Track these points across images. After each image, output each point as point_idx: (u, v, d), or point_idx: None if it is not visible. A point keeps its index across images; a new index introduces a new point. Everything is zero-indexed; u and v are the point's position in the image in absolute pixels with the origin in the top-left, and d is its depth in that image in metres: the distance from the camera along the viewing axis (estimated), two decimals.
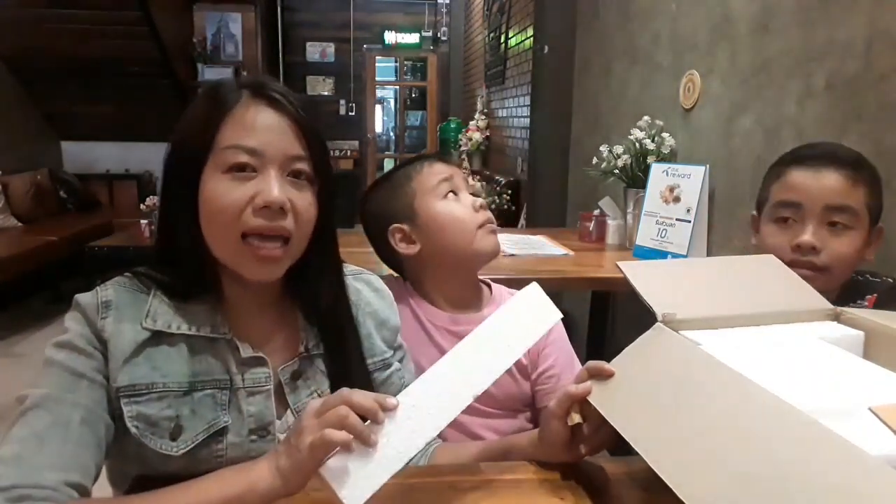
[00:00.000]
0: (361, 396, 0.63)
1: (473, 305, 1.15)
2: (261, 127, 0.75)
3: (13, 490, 0.62)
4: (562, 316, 0.77)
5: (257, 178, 0.74)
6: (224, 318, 0.80)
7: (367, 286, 0.94)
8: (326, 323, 0.85)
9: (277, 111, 0.76)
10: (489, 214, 1.12)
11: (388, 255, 1.15)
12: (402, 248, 1.10)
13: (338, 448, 0.60)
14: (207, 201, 0.75)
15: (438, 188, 1.10)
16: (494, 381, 0.71)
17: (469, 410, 1.06)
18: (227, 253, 0.76)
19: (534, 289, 0.81)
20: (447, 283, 1.12)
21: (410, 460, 0.64)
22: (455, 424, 1.04)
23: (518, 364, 1.11)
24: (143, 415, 0.73)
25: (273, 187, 0.73)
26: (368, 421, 0.62)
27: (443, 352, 0.74)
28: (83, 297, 0.76)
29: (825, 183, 1.03)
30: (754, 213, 1.18)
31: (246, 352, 0.79)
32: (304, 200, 0.77)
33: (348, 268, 0.94)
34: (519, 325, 0.76)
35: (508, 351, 0.74)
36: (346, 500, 0.59)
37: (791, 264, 0.99)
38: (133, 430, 0.73)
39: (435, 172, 1.11)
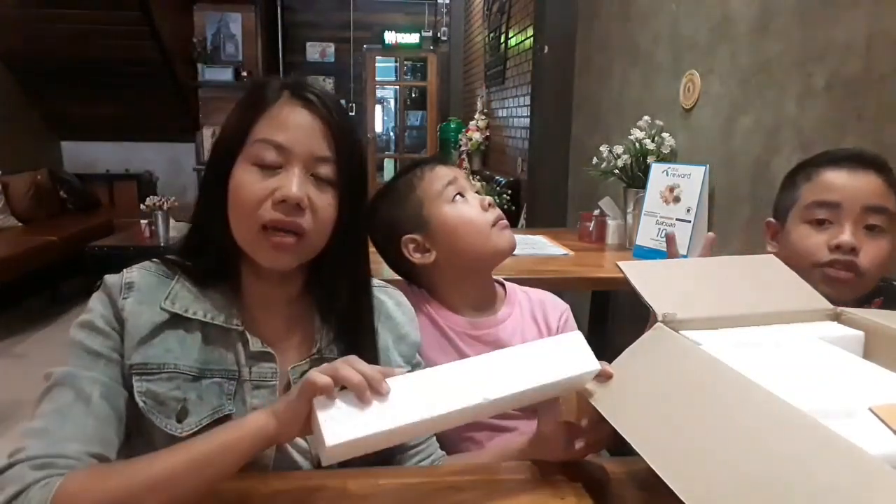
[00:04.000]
0: (362, 364, 0.66)
1: (490, 307, 1.14)
2: (292, 125, 0.78)
3: (38, 459, 0.66)
4: (599, 368, 0.75)
5: (281, 173, 0.77)
6: (239, 310, 0.82)
7: (391, 299, 0.94)
8: (342, 326, 0.86)
9: (310, 111, 0.78)
10: (499, 211, 1.11)
11: (401, 265, 1.13)
12: (418, 257, 1.08)
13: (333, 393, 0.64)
14: (233, 190, 0.78)
15: (445, 192, 1.07)
16: (509, 395, 0.69)
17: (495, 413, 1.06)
18: (246, 239, 0.79)
19: (578, 337, 0.78)
20: (465, 287, 1.10)
21: (398, 428, 0.65)
22: (481, 425, 1.06)
23: None
24: (151, 391, 0.76)
25: (293, 184, 0.76)
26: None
27: (464, 357, 0.75)
28: (110, 278, 0.80)
29: (863, 183, 1.00)
30: (770, 219, 1.14)
31: (255, 345, 0.81)
32: (324, 201, 0.79)
33: (373, 280, 0.93)
34: (556, 359, 0.74)
35: (535, 375, 0.72)
36: (325, 434, 0.62)
37: (829, 265, 0.99)
38: (141, 404, 0.76)
39: (438, 177, 1.09)
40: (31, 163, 5.08)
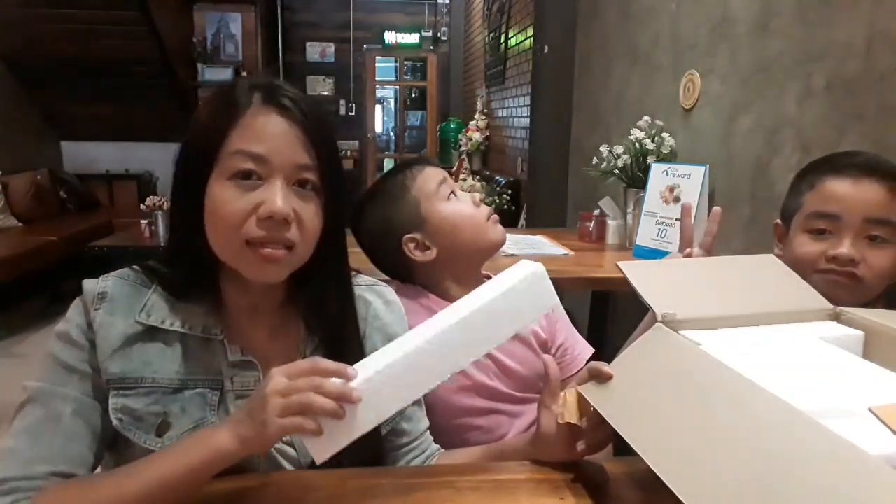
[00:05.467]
0: (330, 386, 0.63)
1: None
2: (269, 134, 0.73)
3: (5, 483, 0.68)
4: (558, 301, 0.76)
5: (263, 186, 0.73)
6: (218, 319, 0.79)
7: (379, 298, 0.92)
8: (328, 335, 0.84)
9: (287, 118, 0.74)
10: (489, 207, 1.16)
11: (398, 266, 1.14)
12: (419, 255, 1.09)
13: None
14: (211, 207, 0.74)
15: (440, 191, 1.10)
16: (475, 360, 0.73)
17: (501, 397, 1.10)
18: (230, 256, 0.76)
19: (536, 269, 0.77)
20: (461, 279, 1.14)
21: (380, 422, 0.67)
22: (485, 410, 1.09)
23: (538, 339, 1.14)
24: (128, 408, 0.74)
25: (277, 198, 0.72)
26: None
27: None
28: (87, 284, 0.78)
29: (866, 195, 0.97)
30: (778, 221, 1.13)
31: (234, 355, 0.79)
32: (309, 211, 0.76)
33: (361, 278, 0.92)
34: (516, 307, 0.75)
35: (499, 333, 0.74)
36: (314, 453, 0.64)
37: (824, 273, 0.98)
38: (116, 422, 0.74)
39: (430, 177, 1.11)
40: (31, 163, 5.08)
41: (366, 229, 1.13)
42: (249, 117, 0.74)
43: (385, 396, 0.66)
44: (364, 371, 0.66)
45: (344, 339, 0.84)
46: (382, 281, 0.97)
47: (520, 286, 0.75)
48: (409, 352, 0.68)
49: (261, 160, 0.73)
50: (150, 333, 0.76)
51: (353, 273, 0.91)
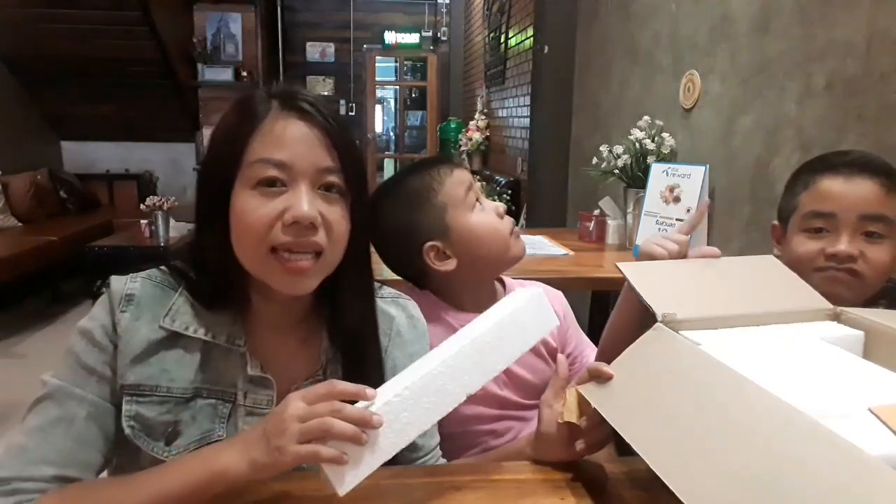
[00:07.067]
0: (350, 410, 0.63)
1: (493, 301, 1.17)
2: (290, 139, 0.73)
3: (10, 483, 0.68)
4: (558, 323, 0.80)
5: (287, 192, 0.72)
6: (243, 329, 0.78)
7: (403, 312, 0.90)
8: (349, 348, 0.82)
9: (307, 122, 0.74)
10: (512, 219, 1.11)
11: (411, 269, 1.10)
12: (438, 265, 1.05)
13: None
14: (237, 217, 0.73)
15: (467, 199, 1.05)
16: (487, 381, 0.75)
17: (510, 405, 1.09)
18: (256, 266, 0.75)
19: (537, 293, 0.82)
20: (476, 289, 1.10)
21: (401, 448, 0.68)
22: (501, 418, 1.08)
23: (548, 348, 1.13)
24: (141, 415, 0.74)
25: (303, 202, 0.71)
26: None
27: None
28: (115, 283, 0.77)
29: (860, 191, 0.98)
30: (775, 222, 1.13)
31: (254, 369, 0.78)
32: (336, 214, 0.75)
33: (385, 290, 0.91)
34: (520, 330, 0.79)
35: (508, 352, 0.77)
36: (337, 486, 0.63)
37: (824, 270, 0.98)
38: (128, 430, 0.74)
39: (459, 182, 1.06)
40: (31, 163, 5.08)
41: (384, 229, 1.07)
42: (269, 124, 0.73)
43: (404, 421, 0.67)
44: (382, 396, 0.66)
45: (364, 354, 0.82)
46: (388, 283, 0.96)
47: (524, 307, 0.80)
48: (426, 374, 0.69)
49: (283, 167, 0.72)
50: (173, 339, 0.76)
51: (377, 285, 0.89)
